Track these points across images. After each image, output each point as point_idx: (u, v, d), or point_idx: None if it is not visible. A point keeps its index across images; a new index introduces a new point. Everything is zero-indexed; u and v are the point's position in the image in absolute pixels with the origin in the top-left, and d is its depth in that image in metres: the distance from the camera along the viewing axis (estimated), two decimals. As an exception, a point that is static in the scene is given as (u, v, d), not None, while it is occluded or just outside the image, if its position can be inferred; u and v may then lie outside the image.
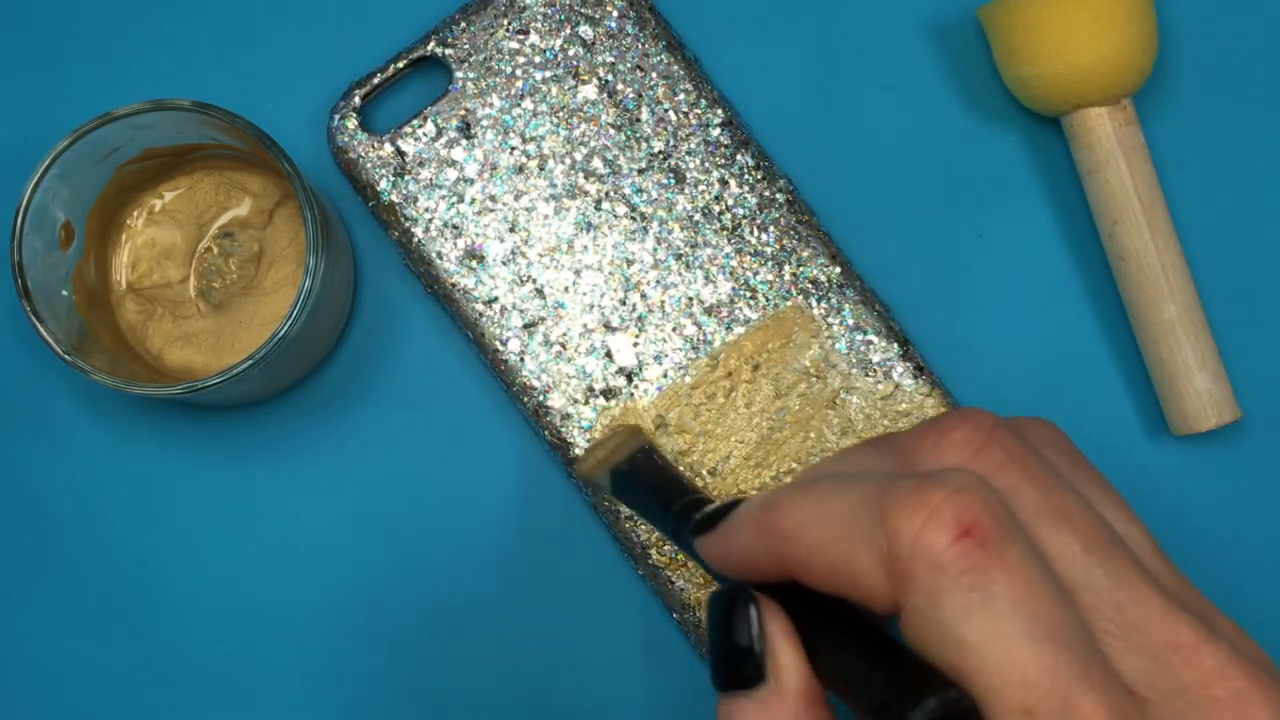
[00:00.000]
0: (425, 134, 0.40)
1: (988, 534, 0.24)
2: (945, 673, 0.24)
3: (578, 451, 0.39)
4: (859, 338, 0.40)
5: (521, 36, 0.41)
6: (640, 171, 0.40)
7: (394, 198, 0.40)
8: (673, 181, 0.40)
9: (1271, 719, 0.25)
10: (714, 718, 0.40)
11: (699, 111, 0.41)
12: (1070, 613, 0.24)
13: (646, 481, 0.35)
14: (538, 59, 0.41)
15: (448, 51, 0.41)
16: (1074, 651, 0.24)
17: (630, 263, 0.40)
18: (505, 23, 0.41)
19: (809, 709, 0.27)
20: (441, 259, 0.40)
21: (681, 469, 0.37)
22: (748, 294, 0.40)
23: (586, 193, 0.40)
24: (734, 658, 0.28)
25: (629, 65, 0.41)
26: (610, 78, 0.41)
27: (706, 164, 0.41)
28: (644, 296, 0.40)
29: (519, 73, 0.41)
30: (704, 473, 0.39)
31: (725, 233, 0.40)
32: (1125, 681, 0.25)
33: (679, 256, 0.40)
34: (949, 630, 0.24)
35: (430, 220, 0.40)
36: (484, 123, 0.41)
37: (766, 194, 0.40)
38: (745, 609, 0.28)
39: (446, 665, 0.40)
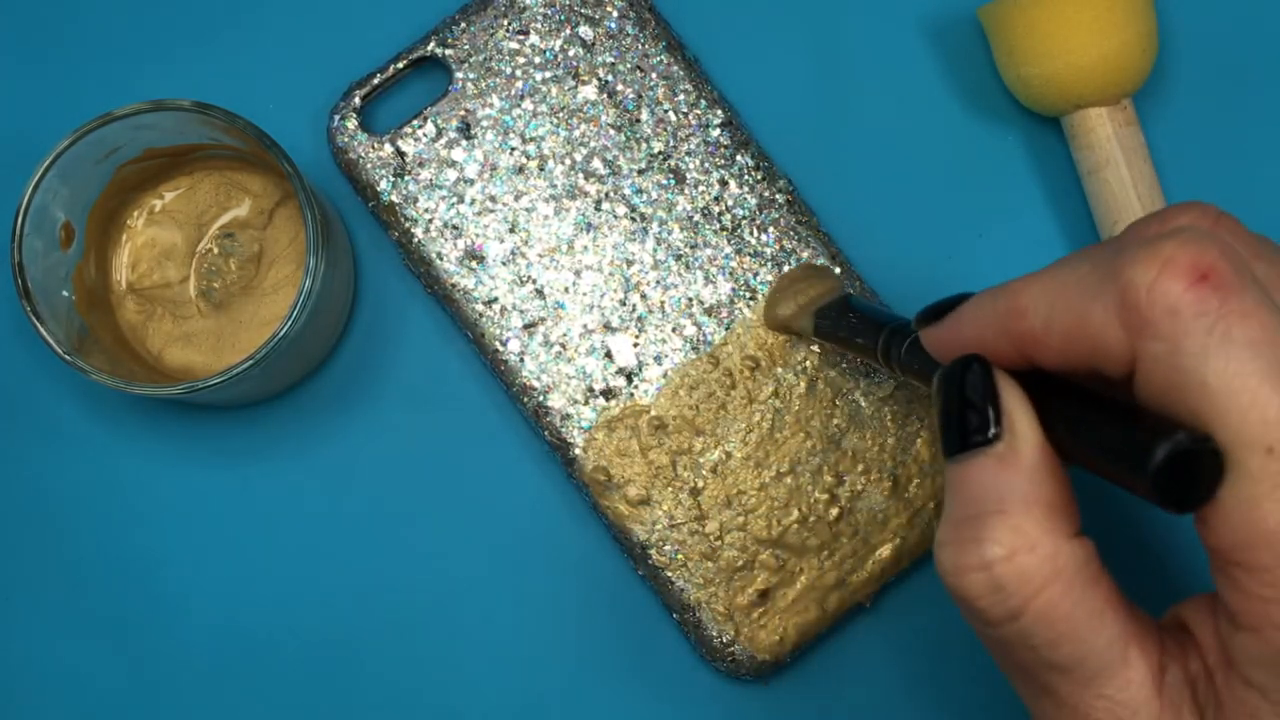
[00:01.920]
0: (425, 134, 0.40)
1: (1224, 278, 0.24)
2: (1185, 422, 0.24)
3: (576, 452, 0.39)
4: (859, 338, 0.40)
5: (521, 37, 0.41)
6: (640, 172, 0.40)
7: (394, 198, 0.40)
8: (673, 182, 0.40)
9: None
10: (712, 716, 0.40)
11: (699, 112, 0.41)
12: None
13: (850, 316, 0.37)
14: (538, 59, 0.41)
15: (448, 52, 0.41)
16: None
17: (630, 263, 0.40)
18: (505, 23, 0.41)
19: (1046, 465, 0.27)
20: (441, 259, 0.40)
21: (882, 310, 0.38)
22: (748, 294, 0.40)
23: (586, 193, 0.40)
24: (967, 417, 0.27)
25: (629, 66, 0.41)
26: (610, 78, 0.41)
27: (706, 164, 0.41)
28: (644, 297, 0.40)
29: (519, 73, 0.41)
30: (704, 472, 0.39)
31: (725, 233, 0.40)
32: None
33: (679, 257, 0.40)
34: (1189, 374, 0.24)
35: (430, 220, 0.40)
36: (484, 123, 0.41)
37: (766, 194, 0.40)
38: (977, 369, 0.28)
39: (446, 665, 0.40)
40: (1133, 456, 0.24)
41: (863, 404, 0.40)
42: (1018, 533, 0.26)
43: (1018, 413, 0.27)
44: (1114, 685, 0.26)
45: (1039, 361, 0.27)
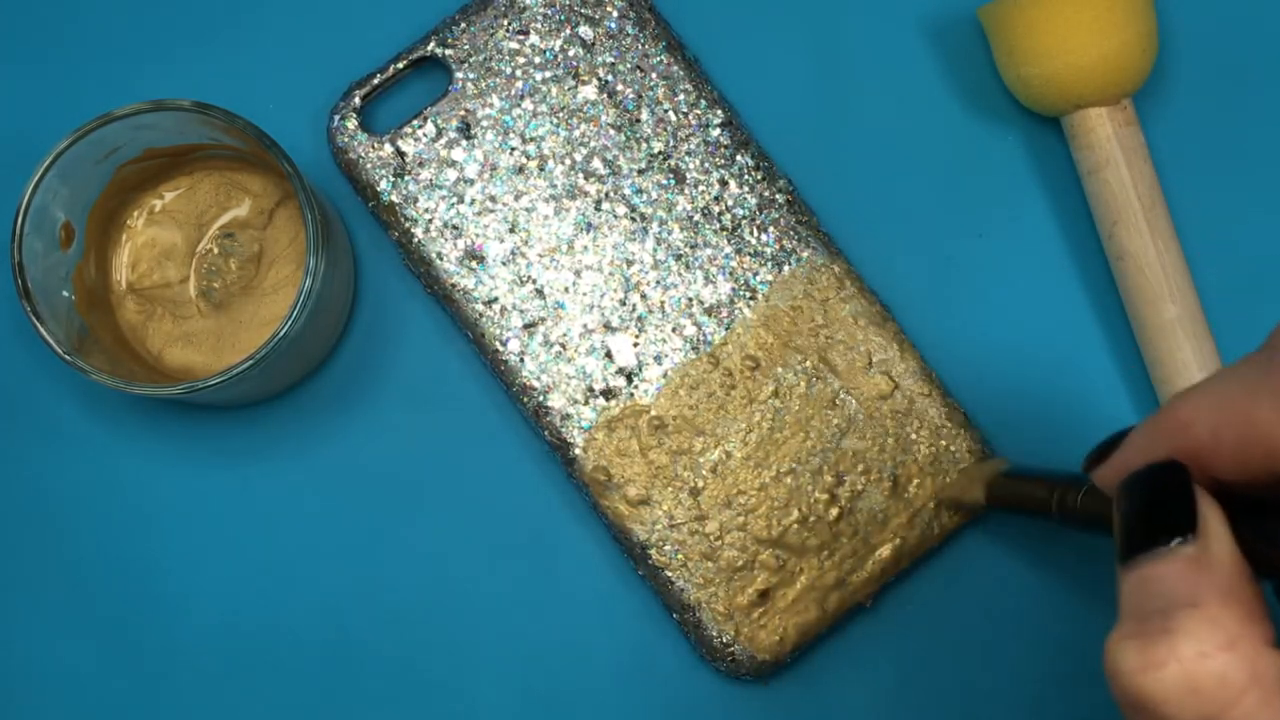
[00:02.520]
0: (425, 134, 0.40)
1: None
2: None
3: (576, 452, 0.39)
4: (859, 337, 0.40)
5: (521, 37, 0.41)
6: (640, 172, 0.40)
7: (394, 198, 0.40)
8: (673, 182, 0.40)
9: None
10: (712, 716, 0.40)
11: (699, 112, 0.41)
12: None
13: (1021, 483, 0.36)
14: (538, 59, 0.41)
15: (448, 52, 0.41)
16: None
17: (630, 263, 0.40)
18: (505, 23, 0.41)
19: (1241, 569, 0.25)
20: (441, 259, 0.40)
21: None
22: (748, 294, 0.40)
23: (586, 193, 0.40)
24: (1155, 518, 0.26)
25: (629, 66, 0.41)
26: (610, 78, 0.41)
27: (706, 164, 0.41)
28: (644, 297, 0.40)
29: (519, 73, 0.41)
30: (704, 472, 0.39)
31: (725, 233, 0.40)
32: None
33: (679, 257, 0.40)
34: None
35: (430, 220, 0.40)
36: (484, 123, 0.41)
37: (766, 194, 0.40)
38: (1168, 469, 0.26)
39: (446, 664, 0.40)
40: None
41: (862, 404, 0.40)
42: (1216, 626, 0.24)
43: (1210, 513, 0.25)
44: None
45: (1218, 475, 0.26)
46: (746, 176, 0.41)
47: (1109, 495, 0.28)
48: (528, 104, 0.41)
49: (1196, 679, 0.23)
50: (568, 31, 0.41)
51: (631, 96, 0.41)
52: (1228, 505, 0.26)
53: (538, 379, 0.40)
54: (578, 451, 0.39)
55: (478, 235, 0.40)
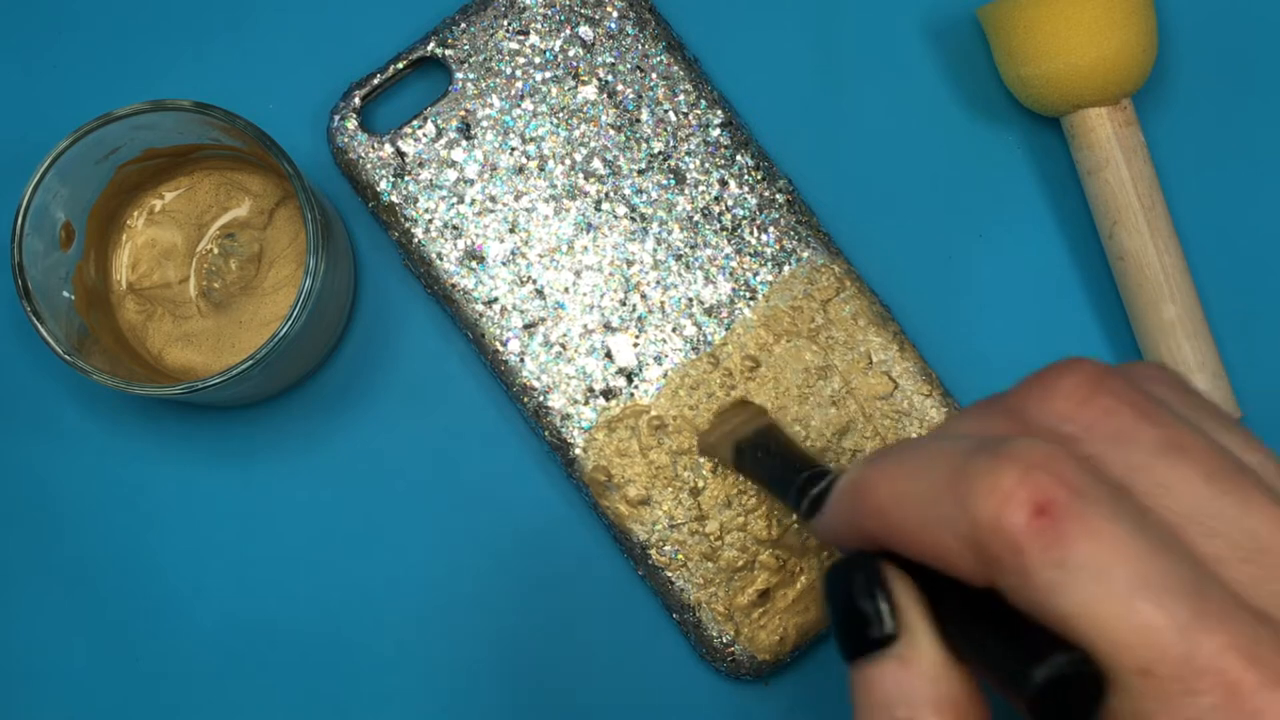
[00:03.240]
0: (425, 135, 0.40)
1: (1063, 507, 0.24)
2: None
3: (576, 452, 0.39)
4: (859, 337, 0.40)
5: (521, 37, 0.41)
6: (640, 172, 0.40)
7: (394, 198, 0.40)
8: (673, 182, 0.40)
9: None
10: (712, 716, 0.40)
11: (699, 112, 0.41)
12: (1172, 556, 0.24)
13: (768, 457, 0.36)
14: (538, 60, 0.41)
15: (448, 52, 0.41)
16: (1182, 597, 0.24)
17: (630, 263, 0.40)
18: (505, 23, 0.41)
19: (949, 666, 0.26)
20: (441, 259, 0.40)
21: (800, 448, 0.38)
22: (748, 294, 0.40)
23: (586, 193, 0.40)
24: (859, 620, 0.27)
25: (629, 66, 0.41)
26: (610, 78, 0.41)
27: (706, 164, 0.41)
28: (644, 297, 0.40)
29: (519, 73, 0.41)
30: (704, 472, 0.39)
31: (725, 233, 0.40)
32: (1261, 606, 0.24)
33: (679, 257, 0.40)
34: (1047, 606, 0.24)
35: (430, 221, 0.40)
36: (484, 123, 0.41)
37: (766, 194, 0.40)
38: (865, 573, 0.27)
39: (446, 664, 0.40)
40: (1014, 675, 0.24)
41: (863, 405, 0.40)
42: None
43: (911, 611, 0.26)
44: None
45: (913, 558, 0.27)
46: (746, 176, 0.41)
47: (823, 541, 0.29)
48: (528, 104, 0.41)
49: None
50: (568, 32, 0.41)
51: (631, 96, 0.41)
52: (933, 585, 0.26)
53: (538, 379, 0.40)
54: (578, 452, 0.39)
55: (478, 235, 0.40)
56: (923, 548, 0.26)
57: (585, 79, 0.41)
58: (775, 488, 0.36)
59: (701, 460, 0.39)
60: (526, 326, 0.40)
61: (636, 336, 0.40)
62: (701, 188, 0.41)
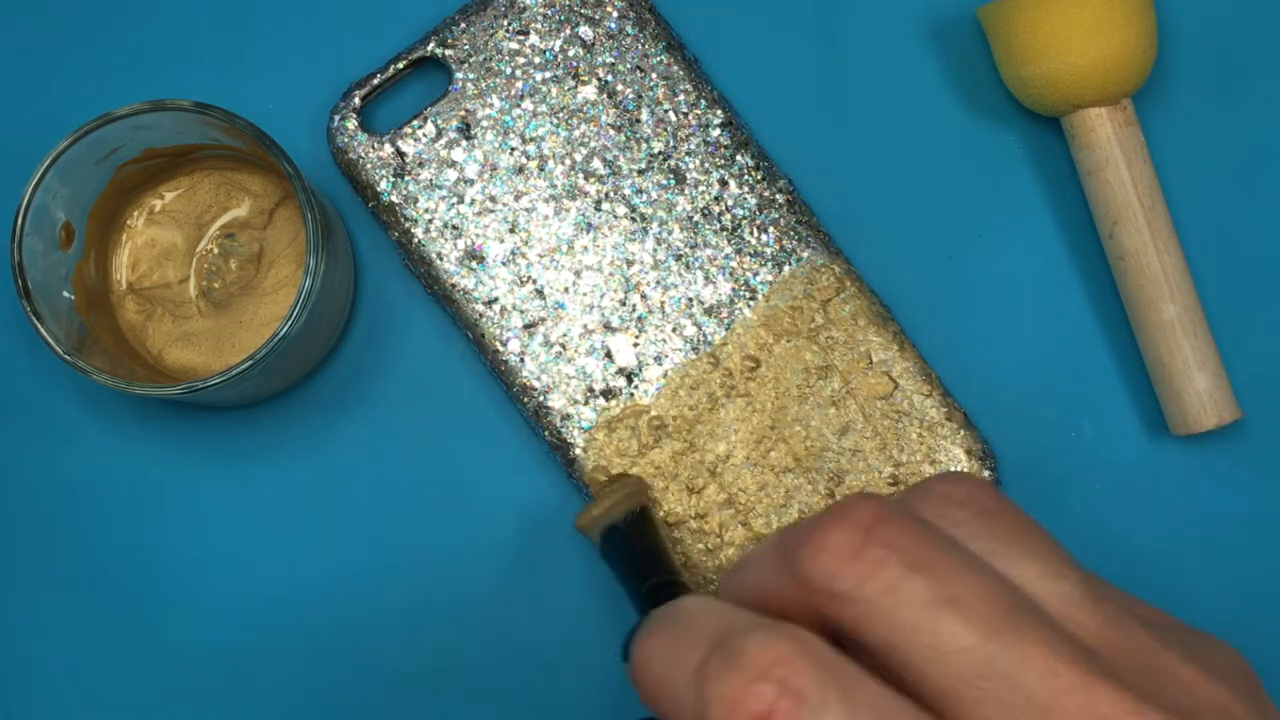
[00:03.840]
0: (425, 135, 0.40)
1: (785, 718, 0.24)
2: None
3: (576, 452, 0.39)
4: (859, 337, 0.40)
5: (521, 37, 0.41)
6: (640, 172, 0.40)
7: (394, 198, 0.40)
8: (673, 182, 0.40)
9: None
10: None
11: (699, 112, 0.41)
12: None
13: (630, 549, 0.35)
14: (537, 59, 0.41)
15: (448, 52, 0.41)
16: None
17: (630, 263, 0.40)
18: (505, 23, 0.41)
19: None
20: (441, 259, 0.40)
21: (668, 543, 0.38)
22: (748, 294, 0.40)
23: (586, 193, 0.40)
24: None
25: (629, 66, 0.41)
26: (610, 78, 0.41)
27: (706, 164, 0.41)
28: (644, 297, 0.40)
29: (519, 73, 0.41)
30: (704, 472, 0.39)
31: (725, 233, 0.40)
32: None
33: (679, 257, 0.40)
34: None
35: (430, 221, 0.40)
36: (484, 123, 0.41)
37: (766, 194, 0.40)
38: None
39: (446, 664, 0.40)
40: None
41: (863, 405, 0.40)
42: None
43: None
44: None
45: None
46: (746, 176, 0.41)
47: None
48: (528, 104, 0.41)
49: None
50: (568, 32, 0.41)
51: (631, 96, 0.41)
52: None
53: (538, 379, 0.40)
54: (578, 452, 0.39)
55: (478, 235, 0.40)
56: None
57: (585, 79, 0.41)
58: (627, 582, 0.35)
59: (701, 460, 0.39)
60: (526, 326, 0.40)
61: (636, 336, 0.40)
62: (701, 188, 0.41)
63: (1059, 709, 0.24)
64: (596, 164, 0.41)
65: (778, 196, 0.40)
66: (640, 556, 0.35)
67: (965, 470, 0.39)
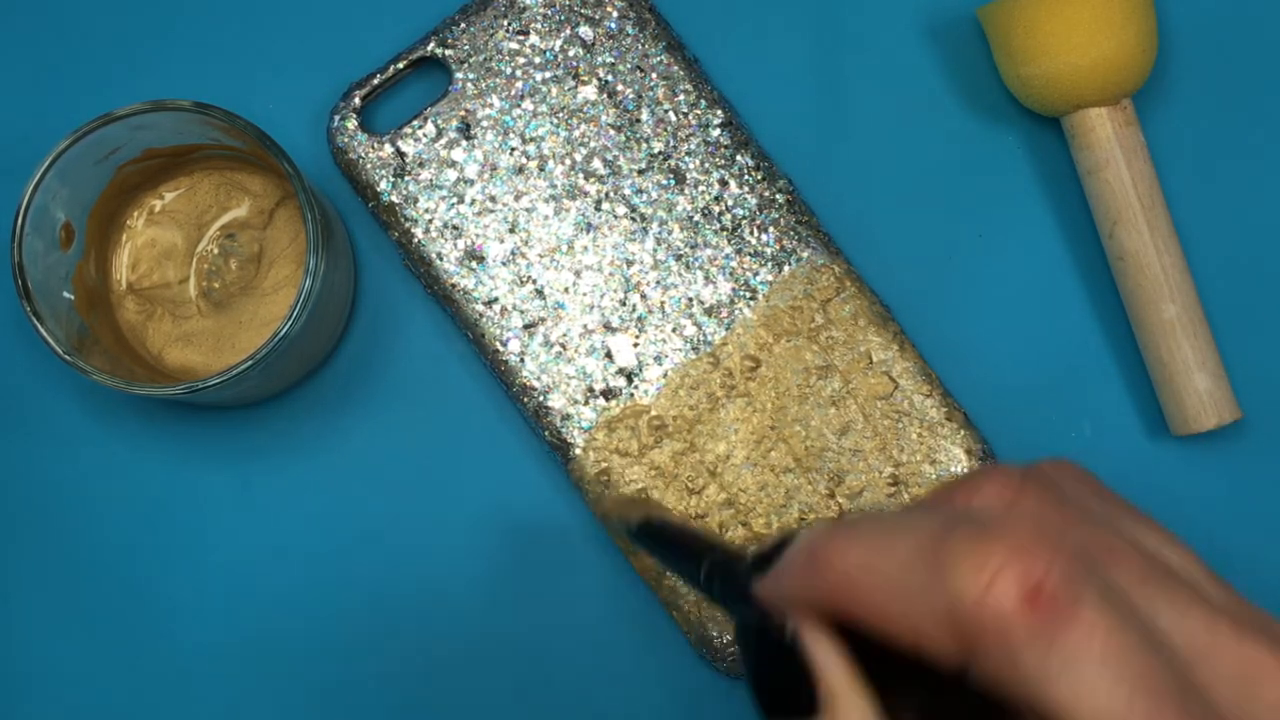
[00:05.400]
0: (425, 135, 0.40)
1: (1057, 593, 0.22)
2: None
3: (576, 452, 0.39)
4: (859, 337, 0.40)
5: (521, 37, 0.41)
6: (640, 172, 0.40)
7: (394, 198, 0.40)
8: (673, 182, 0.40)
9: None
10: (712, 716, 0.40)
11: (699, 112, 0.41)
12: (1158, 656, 0.23)
13: (672, 536, 0.34)
14: (538, 60, 0.41)
15: (448, 52, 0.41)
16: (1169, 698, 0.22)
17: (630, 263, 0.40)
18: (505, 23, 0.41)
19: None
20: (441, 259, 0.40)
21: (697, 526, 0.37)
22: (748, 294, 0.40)
23: (586, 193, 0.40)
24: (779, 686, 0.25)
25: (629, 66, 0.41)
26: (610, 78, 0.41)
27: (706, 164, 0.41)
28: (644, 297, 0.40)
29: (519, 73, 0.41)
30: (704, 472, 0.39)
31: (725, 233, 0.40)
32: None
33: (679, 257, 0.40)
34: (1031, 692, 0.22)
35: (430, 221, 0.40)
36: (484, 123, 0.41)
37: (766, 194, 0.40)
38: (784, 635, 0.25)
39: (446, 664, 0.40)
40: None
41: (863, 404, 0.40)
42: None
43: (838, 678, 0.24)
44: None
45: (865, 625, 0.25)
46: (746, 176, 0.41)
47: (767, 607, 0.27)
48: (528, 104, 0.41)
49: None
50: (568, 32, 0.41)
51: (631, 96, 0.41)
52: (894, 662, 0.24)
53: (538, 379, 0.40)
54: (578, 452, 0.39)
55: (478, 235, 0.40)
56: (889, 621, 0.24)
57: (585, 79, 0.41)
58: (678, 563, 0.34)
59: (701, 460, 0.39)
60: (526, 326, 0.40)
61: (636, 336, 0.40)
62: (701, 188, 0.41)
63: (1218, 657, 0.24)
64: (596, 164, 0.41)
65: (778, 196, 0.40)
66: (686, 538, 0.34)
67: (965, 470, 0.39)
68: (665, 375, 0.40)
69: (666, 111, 0.41)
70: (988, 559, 0.23)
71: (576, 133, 0.41)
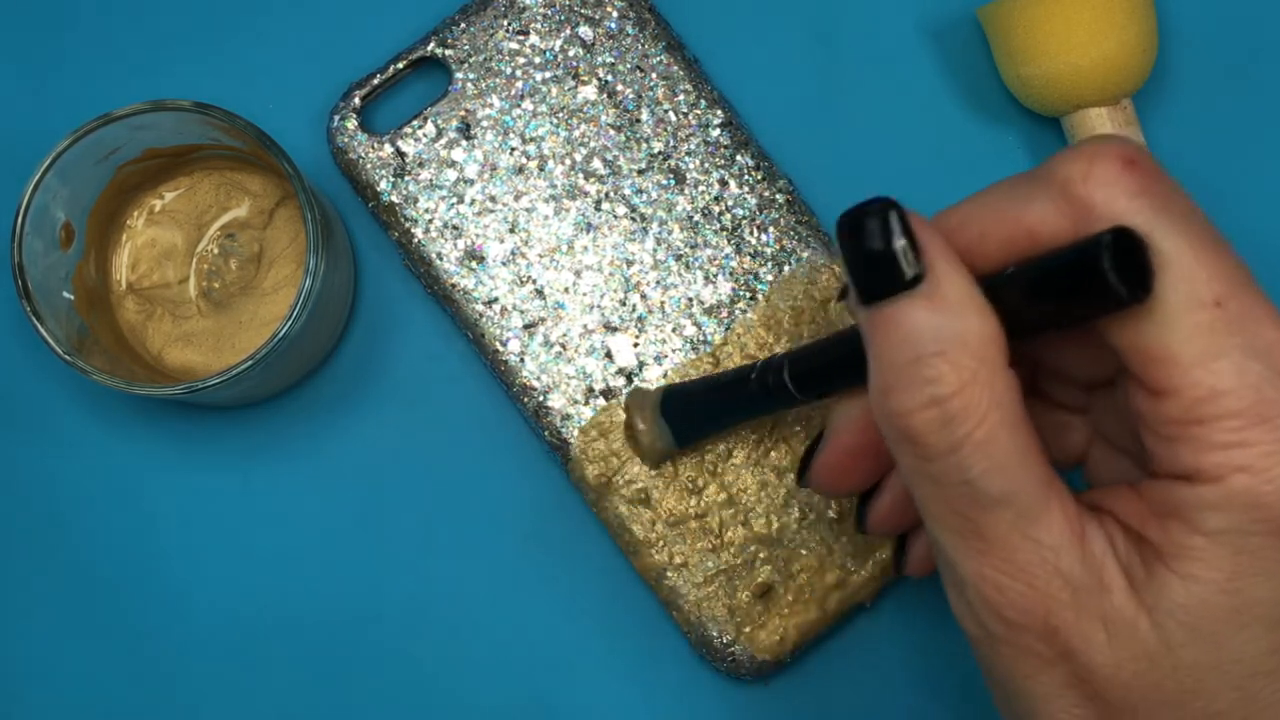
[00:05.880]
0: (425, 135, 0.40)
1: (1149, 165, 0.27)
2: None
3: (575, 452, 0.39)
4: (859, 338, 0.40)
5: (521, 37, 0.41)
6: (640, 172, 0.40)
7: (394, 198, 0.40)
8: (673, 182, 0.40)
9: None
10: (712, 716, 0.40)
11: (699, 112, 0.41)
12: (1225, 239, 0.27)
13: (696, 400, 0.37)
14: (537, 60, 0.41)
15: (448, 52, 0.41)
16: (1244, 266, 0.26)
17: (630, 263, 0.40)
18: (505, 23, 0.41)
19: (973, 298, 0.27)
20: (441, 259, 0.40)
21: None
22: (748, 294, 0.40)
23: (586, 193, 0.40)
24: (881, 261, 0.27)
25: (629, 66, 0.41)
26: (610, 78, 0.41)
27: (706, 164, 0.41)
28: (644, 297, 0.40)
29: (519, 73, 0.41)
30: (704, 472, 0.39)
31: (725, 233, 0.40)
32: None
33: (679, 257, 0.40)
34: (1140, 229, 0.26)
35: (430, 221, 0.40)
36: (484, 123, 0.41)
37: (766, 194, 0.40)
38: (884, 215, 0.27)
39: (446, 664, 0.40)
40: (1082, 254, 0.26)
41: (863, 404, 0.40)
42: (960, 368, 0.26)
43: (935, 248, 0.27)
44: (1040, 526, 0.27)
45: (980, 271, 0.28)
46: (746, 176, 0.41)
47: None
48: (528, 104, 0.41)
49: (951, 412, 0.26)
50: (568, 31, 0.41)
51: (631, 96, 0.41)
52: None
53: (538, 379, 0.40)
54: (577, 451, 0.39)
55: (478, 235, 0.40)
56: (1005, 230, 0.27)
57: (585, 79, 0.41)
58: (732, 407, 0.36)
59: (701, 460, 0.39)
60: (526, 326, 0.40)
61: (636, 336, 0.40)
62: (701, 188, 0.41)
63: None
64: (596, 164, 0.41)
65: (778, 196, 0.40)
66: (713, 385, 0.37)
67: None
68: (665, 375, 0.40)
69: (666, 111, 0.41)
70: (1085, 150, 0.27)
71: (576, 133, 0.41)
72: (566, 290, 0.40)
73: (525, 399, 0.40)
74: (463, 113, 0.41)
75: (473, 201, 0.40)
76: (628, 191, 0.40)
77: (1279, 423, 0.25)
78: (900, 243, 0.27)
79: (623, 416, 0.39)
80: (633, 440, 0.39)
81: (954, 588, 0.28)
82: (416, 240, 0.40)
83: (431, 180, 0.40)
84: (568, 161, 0.40)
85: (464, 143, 0.40)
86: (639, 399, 0.39)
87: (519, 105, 0.41)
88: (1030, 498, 0.27)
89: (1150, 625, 0.26)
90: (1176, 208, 0.26)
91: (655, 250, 0.40)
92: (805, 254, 0.40)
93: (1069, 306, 0.26)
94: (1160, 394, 0.26)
